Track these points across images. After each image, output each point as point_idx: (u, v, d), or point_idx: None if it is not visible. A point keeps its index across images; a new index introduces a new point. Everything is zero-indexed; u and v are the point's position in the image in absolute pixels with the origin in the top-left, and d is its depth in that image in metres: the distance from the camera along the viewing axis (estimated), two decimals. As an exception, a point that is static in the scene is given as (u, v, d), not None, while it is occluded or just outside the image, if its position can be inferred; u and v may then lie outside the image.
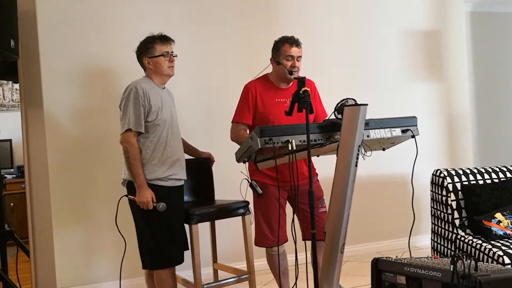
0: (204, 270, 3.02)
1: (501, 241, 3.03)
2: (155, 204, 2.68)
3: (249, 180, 2.96)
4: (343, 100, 2.33)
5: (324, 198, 3.01)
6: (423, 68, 4.67)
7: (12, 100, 5.92)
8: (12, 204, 5.30)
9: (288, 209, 3.04)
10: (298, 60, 2.94)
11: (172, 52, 2.89)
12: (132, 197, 2.73)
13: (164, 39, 2.87)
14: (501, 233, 3.10)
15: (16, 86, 5.59)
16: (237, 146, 2.56)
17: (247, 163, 2.79)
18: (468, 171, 3.43)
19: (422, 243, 4.39)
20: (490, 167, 3.51)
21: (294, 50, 2.92)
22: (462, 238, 3.20)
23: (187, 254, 2.89)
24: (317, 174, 3.11)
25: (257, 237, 3.03)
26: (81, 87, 3.68)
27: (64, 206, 3.61)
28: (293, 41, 2.93)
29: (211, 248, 3.44)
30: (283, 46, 2.93)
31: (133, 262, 2.82)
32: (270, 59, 3.02)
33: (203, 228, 3.16)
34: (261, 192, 2.92)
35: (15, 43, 2.56)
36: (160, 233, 2.75)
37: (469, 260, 2.02)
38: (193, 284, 2.94)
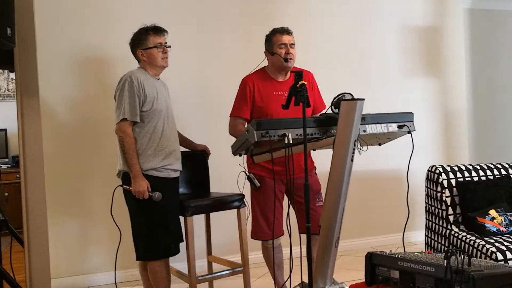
0: (198, 262, 3.02)
1: (495, 238, 3.04)
2: (150, 194, 2.68)
3: (247, 173, 2.96)
4: (340, 94, 2.33)
5: (321, 192, 3.01)
6: (421, 64, 4.67)
7: (8, 90, 5.88)
8: (6, 194, 5.28)
9: (286, 203, 3.03)
10: (291, 47, 2.93)
11: (166, 43, 2.87)
12: (128, 186, 2.72)
13: (157, 30, 2.85)
14: (495, 229, 3.12)
15: (12, 75, 5.56)
16: (233, 139, 2.56)
17: (244, 156, 2.78)
18: (463, 168, 3.44)
19: (416, 239, 4.41)
20: (485, 164, 3.52)
21: (285, 38, 2.92)
22: (456, 234, 3.22)
23: (182, 246, 2.89)
24: (315, 168, 3.11)
25: (253, 230, 3.03)
26: (77, 76, 3.67)
27: (59, 196, 3.61)
28: (283, 30, 2.95)
29: (205, 240, 3.44)
30: (274, 36, 2.94)
31: (128, 253, 2.83)
32: (264, 52, 3.01)
33: (198, 220, 3.16)
34: (259, 185, 2.92)
35: (11, 31, 2.53)
36: (155, 224, 2.74)
37: (462, 256, 2.03)
38: (187, 276, 2.95)
